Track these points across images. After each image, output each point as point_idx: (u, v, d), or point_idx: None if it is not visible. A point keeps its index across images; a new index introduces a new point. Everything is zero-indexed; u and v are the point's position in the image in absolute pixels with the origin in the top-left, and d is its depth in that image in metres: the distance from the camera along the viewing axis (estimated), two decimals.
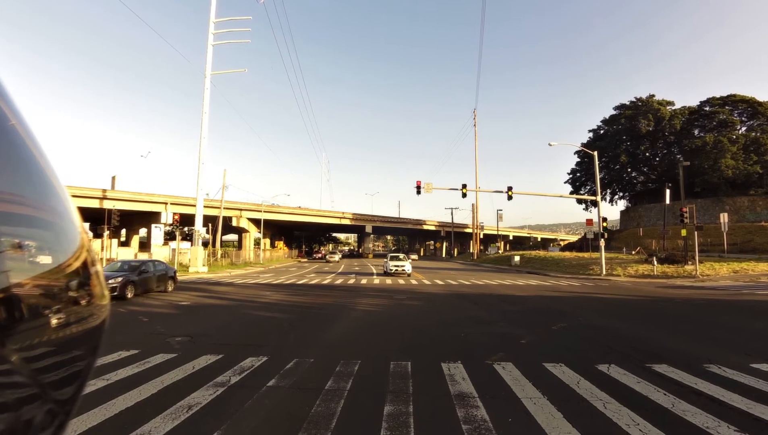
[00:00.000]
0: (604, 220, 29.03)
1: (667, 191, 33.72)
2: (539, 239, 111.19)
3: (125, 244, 50.05)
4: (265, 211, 53.92)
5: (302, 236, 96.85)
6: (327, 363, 6.07)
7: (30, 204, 0.76)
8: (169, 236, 32.51)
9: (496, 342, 7.65)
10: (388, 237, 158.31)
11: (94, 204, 38.34)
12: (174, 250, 31.30)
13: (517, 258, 43.37)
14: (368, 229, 79.40)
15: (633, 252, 42.35)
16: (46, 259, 0.77)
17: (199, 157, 31.14)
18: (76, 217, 0.88)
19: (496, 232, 79.35)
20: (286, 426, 3.88)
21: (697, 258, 24.25)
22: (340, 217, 73.27)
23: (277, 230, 75.20)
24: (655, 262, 25.85)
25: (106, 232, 28.40)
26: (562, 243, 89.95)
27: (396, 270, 27.23)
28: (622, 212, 73.35)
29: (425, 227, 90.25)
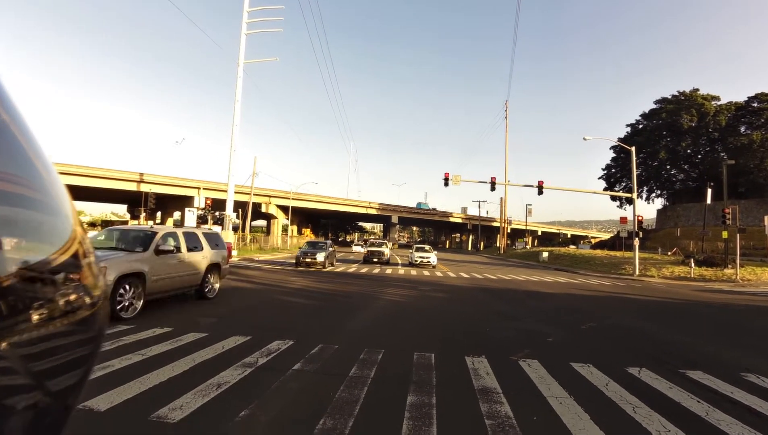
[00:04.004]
0: (640, 218, 28.00)
1: (709, 190, 32.16)
2: (569, 236, 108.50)
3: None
4: (293, 199, 54.72)
5: (329, 224, 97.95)
6: (351, 350, 6.15)
7: (22, 195, 0.78)
8: (201, 220, 33.60)
9: (521, 338, 7.54)
10: (414, 228, 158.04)
11: (132, 187, 39.92)
12: None
13: (545, 254, 42.51)
14: (394, 219, 79.50)
15: (669, 253, 40.78)
16: (36, 251, 0.78)
17: (231, 144, 31.75)
18: (70, 210, 0.90)
19: (524, 227, 77.93)
20: (311, 409, 3.96)
21: (737, 261, 23.11)
22: (367, 207, 73.61)
23: (304, 217, 76.29)
24: (693, 264, 24.78)
25: (143, 214, 29.57)
26: (593, 240, 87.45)
27: (421, 261, 27.32)
28: (658, 211, 70.63)
29: (452, 219, 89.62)
